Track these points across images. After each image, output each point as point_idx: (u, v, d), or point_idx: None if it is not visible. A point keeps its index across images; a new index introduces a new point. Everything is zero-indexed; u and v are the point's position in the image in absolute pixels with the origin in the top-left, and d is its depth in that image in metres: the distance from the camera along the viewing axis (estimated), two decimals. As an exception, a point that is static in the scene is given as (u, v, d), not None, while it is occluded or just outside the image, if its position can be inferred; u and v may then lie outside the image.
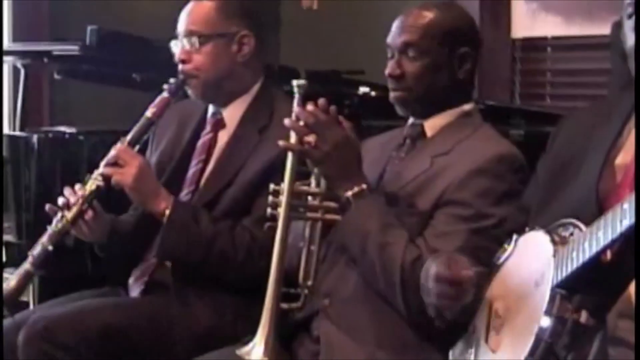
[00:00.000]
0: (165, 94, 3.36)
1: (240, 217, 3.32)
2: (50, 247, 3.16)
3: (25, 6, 5.60)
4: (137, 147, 3.31)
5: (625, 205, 2.01)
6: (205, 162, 3.47)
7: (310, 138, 2.86)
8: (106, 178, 3.23)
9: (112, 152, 3.26)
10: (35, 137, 4.24)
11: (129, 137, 3.30)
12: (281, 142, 2.91)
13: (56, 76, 4.67)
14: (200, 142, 3.51)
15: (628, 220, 1.99)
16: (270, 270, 2.93)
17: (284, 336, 2.97)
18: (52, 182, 4.10)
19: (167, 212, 3.25)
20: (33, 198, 4.12)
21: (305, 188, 3.00)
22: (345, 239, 2.91)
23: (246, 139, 3.42)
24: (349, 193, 2.87)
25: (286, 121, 2.91)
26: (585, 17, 5.16)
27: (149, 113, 3.33)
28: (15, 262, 4.22)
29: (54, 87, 5.36)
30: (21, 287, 3.16)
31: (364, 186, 2.89)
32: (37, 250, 3.17)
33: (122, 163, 3.24)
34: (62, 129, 4.44)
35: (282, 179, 2.95)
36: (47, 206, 3.25)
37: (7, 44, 5.29)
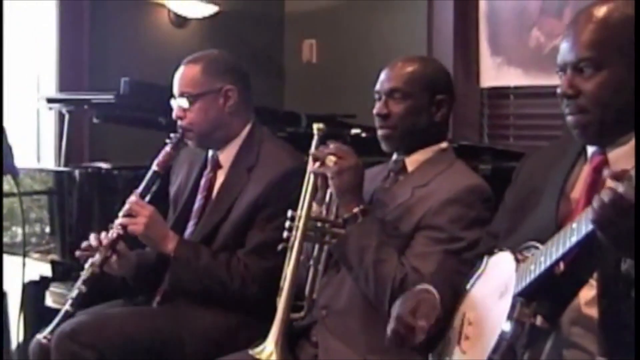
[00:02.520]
0: (167, 149, 3.40)
1: (235, 248, 3.33)
2: (84, 289, 3.20)
3: (68, 60, 5.61)
4: (147, 198, 3.33)
5: (574, 225, 2.04)
6: (207, 198, 3.49)
7: (332, 159, 2.92)
8: (124, 227, 3.26)
9: (126, 205, 3.29)
10: (77, 172, 4.25)
11: (139, 189, 3.33)
12: (314, 168, 2.98)
13: (95, 120, 4.66)
14: (203, 181, 3.53)
15: (576, 237, 2.02)
16: (285, 284, 2.97)
17: (288, 342, 2.95)
18: (91, 210, 4.12)
19: (173, 251, 3.29)
20: (74, 223, 4.13)
21: (318, 215, 3.02)
22: (346, 250, 2.90)
23: (237, 178, 3.42)
24: (356, 209, 2.89)
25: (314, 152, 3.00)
26: (541, 70, 5.16)
27: (155, 167, 3.37)
28: (60, 278, 4.26)
29: (93, 130, 5.36)
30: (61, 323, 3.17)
31: (366, 207, 2.92)
32: (74, 293, 3.21)
33: (134, 214, 3.27)
34: (99, 164, 4.47)
35: (275, 215, 3.10)
36: (77, 253, 3.30)
37: (53, 93, 5.33)
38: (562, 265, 2.15)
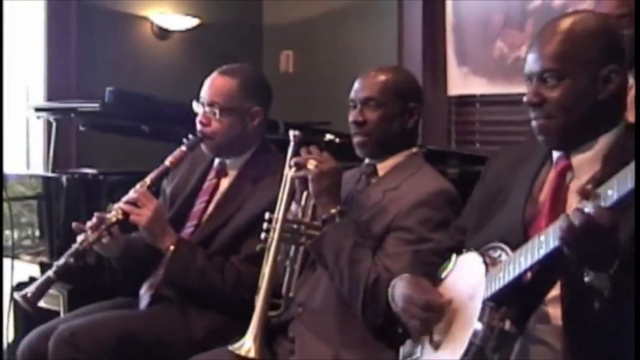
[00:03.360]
0: (183, 148, 3.33)
1: (231, 254, 3.30)
2: (71, 260, 3.11)
3: (56, 70, 5.60)
4: (152, 189, 3.29)
5: (542, 237, 2.06)
6: (208, 202, 3.45)
7: (312, 163, 2.91)
8: (125, 214, 3.20)
9: (133, 193, 3.23)
10: (64, 178, 4.19)
11: (148, 180, 3.27)
12: (289, 173, 3.00)
13: (81, 128, 4.65)
14: (205, 185, 3.49)
15: (544, 250, 2.04)
16: (262, 284, 2.98)
17: (266, 338, 2.95)
18: (77, 214, 3.99)
19: (172, 248, 3.23)
20: (62, 227, 4.06)
21: (294, 217, 3.03)
22: (323, 249, 2.90)
23: (242, 188, 3.40)
24: (333, 211, 2.89)
25: (295, 158, 2.98)
26: (505, 79, 5.17)
27: (167, 162, 3.31)
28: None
29: (80, 137, 5.33)
30: (42, 291, 3.09)
31: (343, 208, 2.92)
32: (60, 261, 3.12)
33: (140, 204, 3.21)
34: (86, 170, 4.41)
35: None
36: (74, 224, 3.22)
37: (42, 102, 5.31)
38: (529, 275, 2.17)
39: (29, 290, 3.07)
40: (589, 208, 1.90)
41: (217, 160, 3.50)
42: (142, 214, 3.20)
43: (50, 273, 3.11)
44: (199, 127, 3.38)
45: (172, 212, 3.48)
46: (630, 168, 1.84)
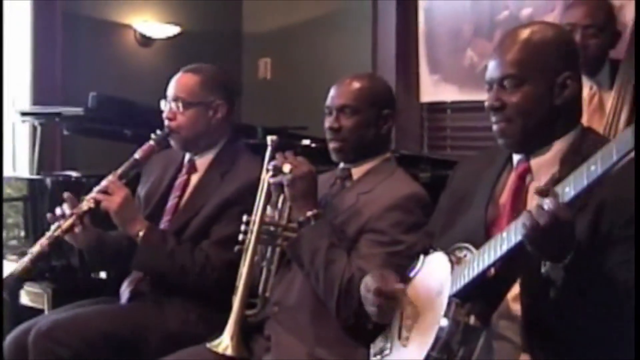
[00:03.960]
0: (151, 142, 3.36)
1: (201, 240, 3.31)
2: (47, 248, 3.12)
3: (42, 76, 5.58)
4: (124, 180, 3.30)
5: (504, 234, 2.09)
6: (180, 197, 3.48)
7: (287, 167, 2.91)
8: (97, 202, 3.21)
9: (104, 182, 3.25)
10: (48, 180, 4.22)
11: (119, 171, 3.29)
12: (267, 177, 2.99)
13: (65, 132, 4.64)
14: (177, 182, 3.52)
15: (506, 246, 2.07)
16: (240, 283, 2.99)
17: (243, 336, 2.95)
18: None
19: (141, 233, 3.24)
20: (46, 228, 4.01)
21: (271, 219, 3.03)
22: (299, 250, 2.89)
23: (211, 181, 3.43)
24: (309, 213, 2.89)
25: (272, 163, 2.97)
26: (475, 87, 5.17)
27: (137, 155, 3.34)
28: (33, 278, 4.20)
29: (64, 141, 5.32)
30: (20, 278, 3.15)
31: (319, 211, 2.91)
32: (35, 249, 3.13)
33: (110, 192, 3.23)
34: (69, 173, 4.42)
35: (244, 212, 3.05)
36: (48, 215, 3.23)
37: (28, 107, 5.29)
38: (492, 270, 2.18)
39: (12, 273, 3.10)
40: (548, 205, 1.94)
41: (187, 158, 3.52)
42: (112, 200, 3.21)
43: (27, 261, 3.11)
44: (166, 122, 3.43)
45: (148, 211, 3.50)
46: (585, 167, 1.90)
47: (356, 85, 3.05)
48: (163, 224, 3.44)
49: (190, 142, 3.46)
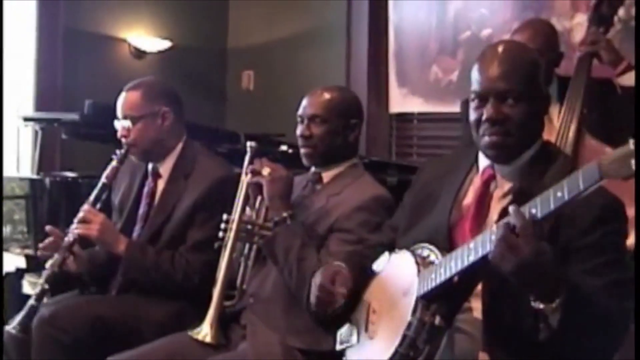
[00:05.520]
0: (114, 163, 3.34)
1: (178, 245, 3.29)
2: (46, 286, 3.13)
3: (44, 84, 5.57)
4: (98, 205, 3.29)
5: (471, 245, 2.05)
6: (150, 204, 3.44)
7: (266, 170, 2.91)
8: (78, 233, 3.21)
9: (81, 213, 3.24)
10: (47, 180, 4.20)
11: (91, 198, 3.28)
12: (246, 179, 2.98)
13: (63, 136, 4.62)
14: (145, 190, 3.48)
15: (473, 257, 2.04)
16: (219, 277, 2.98)
17: (222, 324, 2.94)
18: (59, 212, 4.07)
19: (122, 249, 3.24)
20: (45, 223, 3.99)
21: (249, 219, 3.01)
22: (274, 248, 2.87)
23: (176, 185, 3.39)
24: (285, 214, 2.87)
25: (251, 166, 2.97)
26: (439, 99, 5.19)
27: (104, 179, 3.32)
28: (34, 269, 4.18)
29: (63, 144, 5.28)
30: (29, 319, 3.09)
31: (293, 211, 2.90)
32: (37, 289, 3.13)
33: (88, 220, 3.23)
34: (67, 174, 4.43)
35: (213, 214, 3.09)
36: (39, 253, 3.27)
37: (29, 113, 5.26)
38: (457, 278, 2.14)
39: (17, 322, 3.07)
40: (513, 220, 1.92)
41: (150, 166, 3.48)
42: (92, 228, 3.22)
43: (32, 302, 3.10)
44: (122, 140, 3.39)
45: (122, 220, 3.47)
46: (552, 192, 1.88)
47: (326, 96, 3.03)
48: (137, 232, 3.41)
49: (148, 152, 3.42)
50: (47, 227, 3.28)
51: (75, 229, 3.22)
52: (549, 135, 3.35)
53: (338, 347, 2.51)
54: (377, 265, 2.47)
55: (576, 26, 4.23)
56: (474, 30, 5.02)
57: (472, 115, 2.28)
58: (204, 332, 2.89)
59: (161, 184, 3.44)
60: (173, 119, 3.42)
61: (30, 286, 4.20)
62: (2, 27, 4.05)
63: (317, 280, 2.45)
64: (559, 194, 1.87)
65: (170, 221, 3.32)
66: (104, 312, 3.20)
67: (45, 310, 3.17)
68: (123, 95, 3.43)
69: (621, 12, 3.82)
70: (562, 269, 2.00)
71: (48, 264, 3.19)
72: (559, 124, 3.40)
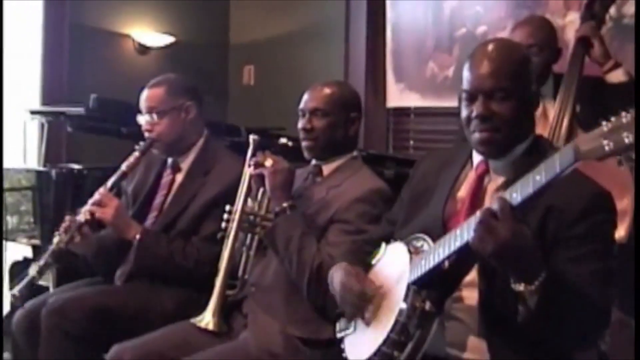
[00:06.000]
0: (136, 153, 3.35)
1: (190, 236, 3.30)
2: (50, 260, 3.17)
3: (50, 78, 5.54)
4: (114, 191, 3.30)
5: (458, 231, 2.07)
6: (166, 195, 3.46)
7: (269, 161, 2.91)
8: (92, 214, 3.22)
9: (97, 196, 3.25)
10: (53, 172, 4.19)
11: (109, 183, 3.30)
12: (249, 171, 2.99)
13: (69, 129, 4.62)
14: (163, 181, 3.50)
15: (459, 242, 2.05)
16: (221, 266, 3.00)
17: (224, 313, 2.96)
18: (65, 203, 4.04)
19: (138, 237, 3.24)
20: (52, 214, 4.07)
21: (251, 210, 3.02)
22: (275, 237, 2.88)
23: (194, 179, 3.41)
24: (285, 204, 2.87)
25: (254, 159, 2.98)
26: (435, 95, 5.19)
27: (124, 167, 3.33)
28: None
29: (68, 137, 5.27)
30: (29, 289, 3.16)
31: (293, 202, 2.90)
32: (41, 262, 3.17)
33: (103, 204, 3.23)
34: (72, 165, 4.41)
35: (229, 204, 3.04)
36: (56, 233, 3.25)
37: (36, 106, 5.26)
38: (447, 263, 2.15)
39: (17, 290, 3.13)
40: (494, 203, 1.94)
41: (170, 160, 3.50)
42: (106, 212, 3.23)
43: (34, 273, 3.15)
44: (146, 134, 3.41)
45: (135, 208, 3.48)
46: (531, 176, 1.90)
47: (327, 90, 3.03)
48: (150, 220, 3.42)
49: (172, 146, 3.44)
50: (67, 217, 3.27)
51: (88, 210, 3.22)
52: (543, 130, 3.36)
53: (337, 335, 2.52)
54: (373, 257, 2.49)
55: (569, 24, 4.24)
56: (469, 28, 5.01)
57: (463, 113, 2.29)
58: (207, 320, 2.90)
59: (179, 177, 3.46)
60: (195, 113, 3.45)
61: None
62: (2, 25, 4.04)
63: (354, 288, 2.42)
64: (537, 177, 1.89)
65: (185, 213, 3.34)
66: (111, 302, 3.20)
67: (53, 301, 3.19)
68: (146, 91, 3.44)
69: (612, 10, 3.82)
70: (540, 252, 2.01)
71: (55, 240, 3.20)
72: (552, 119, 3.41)
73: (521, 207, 1.93)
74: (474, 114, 2.24)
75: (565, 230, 2.11)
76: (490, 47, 2.29)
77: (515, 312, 2.03)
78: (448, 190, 2.38)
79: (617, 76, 3.42)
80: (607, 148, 1.74)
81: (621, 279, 2.21)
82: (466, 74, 2.29)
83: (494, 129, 2.23)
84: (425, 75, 5.29)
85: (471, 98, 2.26)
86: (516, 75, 2.23)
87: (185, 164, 3.46)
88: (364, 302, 2.38)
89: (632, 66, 3.51)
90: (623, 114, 1.73)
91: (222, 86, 6.48)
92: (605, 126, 1.76)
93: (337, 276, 2.49)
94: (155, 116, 3.38)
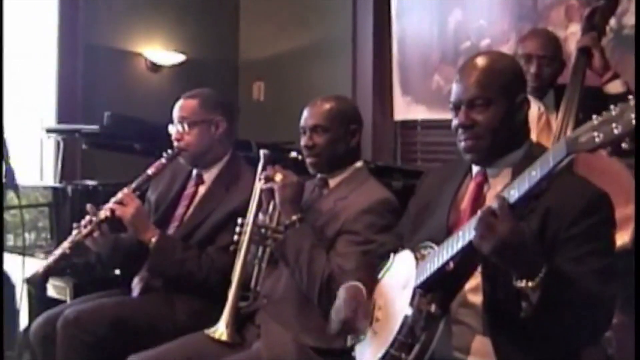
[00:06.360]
0: (163, 160, 3.37)
1: (207, 245, 3.31)
2: (68, 251, 3.18)
3: (65, 97, 5.58)
4: (137, 193, 3.31)
5: (460, 233, 2.09)
6: (188, 206, 3.47)
7: (279, 176, 2.92)
8: (112, 211, 3.23)
9: (120, 194, 3.26)
10: (69, 188, 4.20)
11: (133, 185, 3.30)
12: (261, 185, 2.99)
13: (84, 146, 4.62)
14: (186, 192, 3.51)
15: (461, 242, 2.07)
16: (234, 278, 3.00)
17: (237, 324, 2.96)
18: (80, 219, 4.00)
19: (154, 240, 3.23)
20: (67, 229, 4.01)
21: (262, 223, 3.03)
22: (285, 250, 2.88)
23: (217, 193, 3.42)
24: (295, 217, 2.88)
25: (265, 173, 2.99)
26: (441, 107, 5.20)
27: (150, 171, 3.34)
28: (57, 273, 4.20)
29: (84, 154, 5.29)
30: (46, 272, 3.18)
31: (303, 215, 2.90)
32: (58, 251, 3.19)
33: (125, 203, 3.24)
34: (87, 182, 4.42)
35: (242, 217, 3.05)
36: (74, 224, 3.27)
37: (52, 125, 5.28)
38: (451, 264, 2.17)
39: (38, 271, 3.17)
40: (494, 204, 1.97)
41: (195, 172, 3.51)
42: (126, 210, 3.23)
43: (50, 261, 3.16)
44: (175, 143, 3.42)
45: (157, 216, 3.49)
46: (527, 172, 1.94)
47: (326, 106, 3.04)
48: (172, 229, 3.43)
49: (198, 157, 3.45)
50: (88, 206, 3.29)
51: (109, 207, 3.24)
52: (547, 140, 3.38)
53: (349, 343, 2.53)
54: (382, 269, 2.50)
55: (570, 36, 4.26)
56: (474, 41, 5.03)
57: (452, 123, 2.36)
58: (220, 331, 2.91)
59: (202, 190, 3.48)
60: (225, 129, 3.46)
61: (54, 290, 4.21)
62: (2, 29, 4.06)
63: (340, 315, 2.45)
64: (533, 173, 1.92)
65: (205, 224, 3.35)
66: (126, 313, 3.21)
67: (69, 312, 3.19)
68: (180, 101, 3.47)
69: (612, 22, 3.84)
70: (539, 249, 2.03)
71: (74, 231, 3.23)
72: (556, 128, 3.42)
73: (519, 204, 1.96)
74: (456, 123, 2.31)
75: (565, 231, 2.13)
76: (477, 59, 2.35)
77: (518, 310, 2.04)
78: (450, 202, 2.41)
79: (615, 87, 3.43)
80: (597, 139, 1.78)
81: (625, 284, 2.22)
82: (453, 86, 2.36)
83: (476, 137, 2.28)
84: (431, 88, 5.30)
85: (456, 108, 2.33)
86: (497, 84, 2.28)
87: (209, 177, 3.48)
88: (347, 329, 2.43)
89: (632, 77, 3.51)
90: (612, 107, 1.77)
91: (233, 102, 6.50)
92: (595, 120, 1.80)
93: (339, 294, 2.51)
94: (185, 126, 3.40)
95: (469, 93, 2.28)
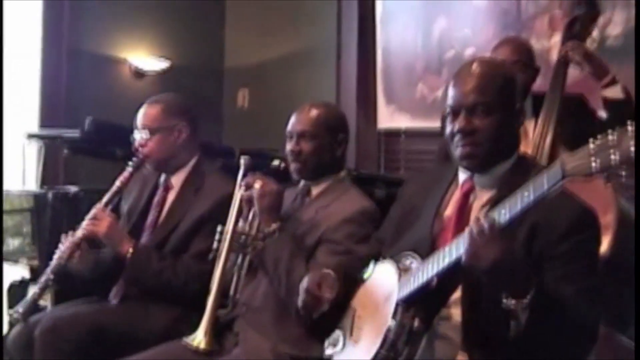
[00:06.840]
0: (129, 169, 3.36)
1: (181, 252, 3.29)
2: (51, 276, 3.20)
3: (48, 102, 5.58)
4: (110, 207, 3.31)
5: (447, 249, 2.06)
6: (159, 213, 3.45)
7: (258, 183, 2.89)
8: (88, 230, 3.24)
9: (92, 212, 3.27)
10: (50, 193, 4.17)
11: (104, 199, 3.31)
12: (240, 192, 2.97)
13: (65, 151, 4.60)
14: (155, 200, 3.48)
15: (447, 259, 2.05)
16: (213, 286, 2.96)
17: (215, 332, 2.92)
18: (61, 225, 3.97)
19: (130, 251, 3.23)
20: (48, 234, 4.03)
21: (242, 230, 2.99)
22: (264, 259, 2.86)
23: (186, 198, 3.40)
24: (274, 226, 2.85)
25: (245, 180, 2.97)
26: (425, 116, 5.20)
27: (118, 182, 3.35)
28: (38, 279, 4.17)
29: (66, 159, 5.25)
30: (31, 306, 3.19)
31: (282, 224, 2.88)
32: (42, 278, 3.20)
33: (98, 218, 3.25)
34: (69, 187, 4.37)
35: (220, 224, 3.02)
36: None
37: (33, 130, 5.23)
38: (435, 280, 2.14)
39: (20, 308, 3.17)
40: (484, 221, 1.95)
41: (162, 178, 3.50)
42: (100, 226, 3.23)
43: (37, 290, 3.19)
44: (139, 150, 3.41)
45: (130, 225, 3.47)
46: (519, 194, 1.91)
47: (314, 112, 3.01)
48: (145, 238, 3.40)
49: (162, 163, 3.43)
50: (62, 235, 3.30)
51: (84, 226, 3.25)
52: (525, 148, 3.36)
53: (326, 352, 2.50)
54: (363, 275, 2.47)
55: (554, 45, 4.25)
56: (458, 50, 5.03)
57: (448, 129, 2.30)
58: (198, 339, 2.87)
59: (171, 196, 3.46)
60: (188, 134, 3.44)
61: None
62: (2, 35, 4.03)
63: (304, 284, 2.43)
64: (526, 194, 1.90)
65: (177, 231, 3.33)
66: (104, 320, 3.18)
67: (47, 319, 3.17)
68: (144, 108, 3.46)
69: (595, 33, 3.82)
70: (530, 268, 2.01)
71: (55, 256, 3.22)
72: (535, 137, 3.40)
73: (509, 224, 1.94)
74: (456, 128, 2.26)
75: (551, 249, 2.10)
76: (474, 65, 2.30)
77: (500, 329, 2.02)
78: (435, 209, 2.37)
79: (614, 92, 3.36)
80: (594, 166, 1.75)
81: (604, 293, 2.20)
82: (450, 91, 2.30)
83: (475, 144, 2.24)
84: (415, 97, 5.30)
85: (454, 113, 2.27)
86: (498, 91, 2.24)
87: (177, 182, 3.46)
88: (311, 300, 2.40)
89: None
90: (610, 132, 1.73)
91: (217, 109, 6.50)
92: (592, 144, 1.76)
93: (305, 282, 2.46)
94: (147, 133, 3.39)
95: (470, 98, 2.23)
